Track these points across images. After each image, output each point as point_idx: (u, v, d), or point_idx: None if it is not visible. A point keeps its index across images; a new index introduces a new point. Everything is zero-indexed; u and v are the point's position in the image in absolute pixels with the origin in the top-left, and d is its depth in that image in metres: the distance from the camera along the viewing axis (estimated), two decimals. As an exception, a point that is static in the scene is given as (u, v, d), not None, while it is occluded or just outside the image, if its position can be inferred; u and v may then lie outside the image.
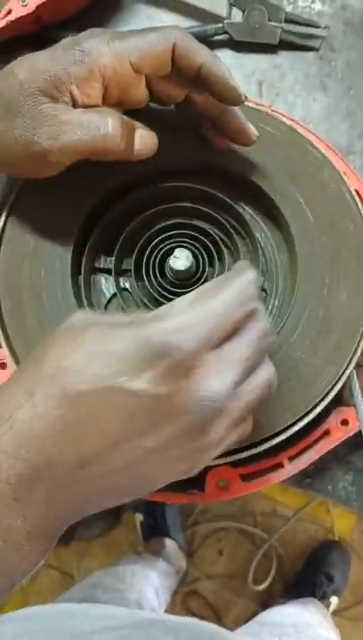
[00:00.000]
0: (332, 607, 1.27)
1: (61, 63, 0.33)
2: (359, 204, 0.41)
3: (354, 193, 0.41)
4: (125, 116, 0.35)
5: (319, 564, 1.35)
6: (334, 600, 1.29)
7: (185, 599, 1.41)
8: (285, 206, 0.40)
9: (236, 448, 0.38)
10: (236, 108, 0.37)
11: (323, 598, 1.27)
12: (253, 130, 0.38)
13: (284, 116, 0.44)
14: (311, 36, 0.52)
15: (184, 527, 1.42)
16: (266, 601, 1.38)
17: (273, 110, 0.44)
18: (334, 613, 1.28)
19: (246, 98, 0.36)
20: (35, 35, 0.50)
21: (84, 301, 0.40)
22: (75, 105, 0.34)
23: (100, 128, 0.33)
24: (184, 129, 0.41)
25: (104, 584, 0.95)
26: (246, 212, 0.43)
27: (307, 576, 1.35)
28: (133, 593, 0.97)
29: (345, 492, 0.46)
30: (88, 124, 0.33)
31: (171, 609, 1.25)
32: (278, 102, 0.52)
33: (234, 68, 0.52)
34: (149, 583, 1.07)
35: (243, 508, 1.43)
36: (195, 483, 0.41)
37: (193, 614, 1.37)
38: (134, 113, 0.37)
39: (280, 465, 0.41)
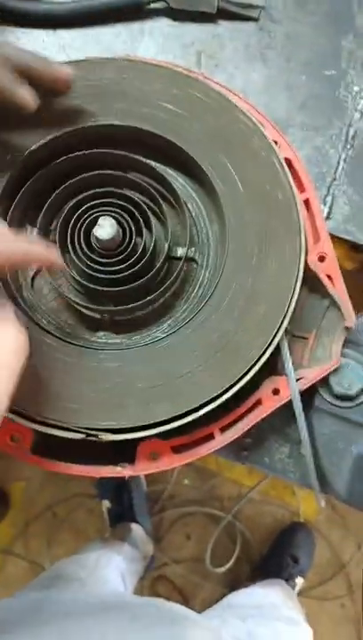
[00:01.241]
0: (297, 588, 1.29)
1: None
2: (289, 173, 0.40)
3: (284, 162, 0.40)
4: None
5: (285, 545, 1.37)
6: (299, 581, 1.31)
7: (153, 584, 1.42)
8: (214, 175, 0.40)
9: (164, 419, 0.37)
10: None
11: (289, 579, 1.29)
12: (66, 70, 0.38)
13: (217, 83, 0.43)
14: (251, 6, 0.51)
15: (152, 513, 1.42)
16: (233, 584, 1.39)
17: (206, 77, 0.43)
18: (300, 593, 1.30)
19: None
20: None
21: (7, 275, 0.39)
22: None
23: None
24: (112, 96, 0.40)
25: (66, 574, 0.94)
26: (178, 181, 0.42)
27: (273, 558, 1.37)
28: (98, 579, 0.97)
29: (282, 464, 0.46)
30: None
31: (139, 593, 1.25)
32: (217, 73, 0.51)
33: (172, 37, 0.51)
34: (114, 566, 1.06)
35: (210, 492, 1.43)
36: (126, 456, 0.40)
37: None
38: None
39: (211, 436, 0.40)
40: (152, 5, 0.50)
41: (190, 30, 0.52)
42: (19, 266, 0.33)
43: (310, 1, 0.52)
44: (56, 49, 0.50)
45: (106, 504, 1.39)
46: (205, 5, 0.50)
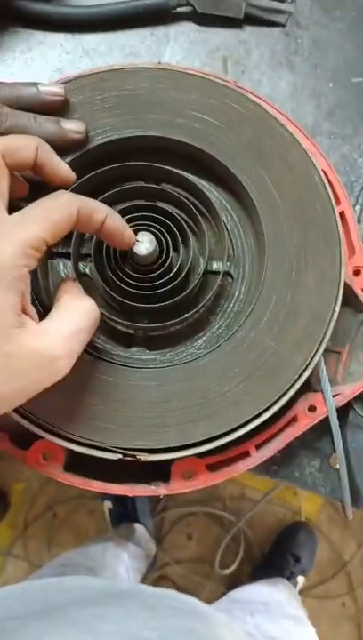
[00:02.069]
0: (299, 586, 1.30)
1: None
2: (327, 185, 0.39)
3: (322, 174, 0.40)
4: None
5: (286, 544, 1.37)
6: (301, 580, 1.32)
7: (155, 584, 1.41)
8: (252, 188, 0.39)
9: (202, 440, 0.36)
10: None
11: (290, 578, 1.29)
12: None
13: (250, 92, 0.42)
14: (277, 11, 0.50)
15: (153, 513, 1.42)
16: (234, 583, 1.39)
17: (238, 86, 0.42)
18: (301, 592, 1.31)
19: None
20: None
21: (41, 287, 0.38)
22: None
23: None
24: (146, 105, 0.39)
25: (74, 563, 0.93)
26: (212, 193, 0.41)
27: (274, 557, 1.37)
28: (106, 571, 0.96)
29: (312, 478, 0.45)
30: None
31: (140, 594, 1.25)
32: (243, 80, 0.50)
33: (198, 42, 0.50)
34: (120, 561, 1.06)
35: (212, 492, 1.43)
36: (160, 474, 0.40)
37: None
38: None
39: (247, 454, 0.40)
40: (178, 10, 0.49)
41: (216, 35, 0.51)
42: (88, 221, 0.32)
43: (338, 7, 0.51)
44: (80, 53, 0.49)
45: (108, 505, 1.39)
46: (233, 10, 0.49)
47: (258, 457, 0.39)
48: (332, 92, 0.50)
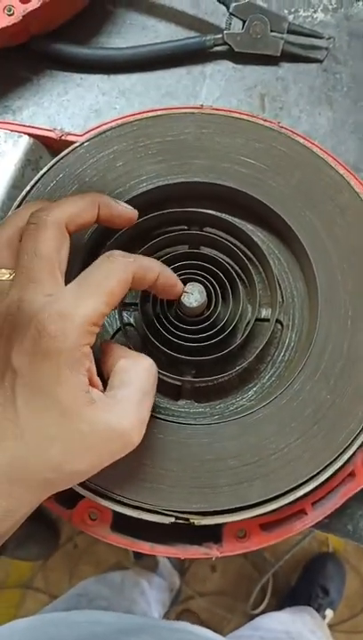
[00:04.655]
0: (327, 620, 1.26)
1: None
2: (380, 228, 0.38)
3: (374, 216, 0.38)
4: None
5: (314, 576, 1.33)
6: (329, 613, 1.28)
7: (178, 617, 1.38)
8: (302, 232, 0.37)
9: (255, 502, 0.34)
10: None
11: (318, 611, 1.25)
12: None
13: (294, 133, 0.41)
14: (315, 47, 0.50)
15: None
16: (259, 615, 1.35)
17: (282, 127, 0.41)
18: (330, 627, 1.26)
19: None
20: (24, 45, 0.46)
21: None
22: None
23: None
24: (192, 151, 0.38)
25: (91, 592, 0.91)
26: (258, 237, 0.40)
27: (302, 588, 1.33)
28: (124, 600, 0.93)
29: (367, 532, 0.43)
30: None
31: (164, 629, 1.22)
32: (282, 117, 0.49)
33: (234, 80, 0.49)
34: (140, 590, 1.03)
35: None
36: (210, 533, 0.38)
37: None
38: None
39: (303, 512, 0.37)
40: (215, 49, 0.48)
41: (253, 73, 0.50)
42: (141, 282, 0.31)
43: (376, 41, 0.50)
44: (116, 94, 0.48)
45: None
46: (271, 48, 0.48)
47: (315, 515, 0.37)
48: (373, 126, 0.49)
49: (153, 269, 0.31)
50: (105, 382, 0.31)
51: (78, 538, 1.43)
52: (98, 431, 0.27)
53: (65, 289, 0.28)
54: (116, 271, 0.28)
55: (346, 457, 0.35)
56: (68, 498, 0.37)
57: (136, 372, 0.30)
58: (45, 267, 0.28)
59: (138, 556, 1.32)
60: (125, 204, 0.33)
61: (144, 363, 0.31)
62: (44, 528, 1.37)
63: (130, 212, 0.33)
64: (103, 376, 0.31)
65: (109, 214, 0.32)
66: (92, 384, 0.29)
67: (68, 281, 0.29)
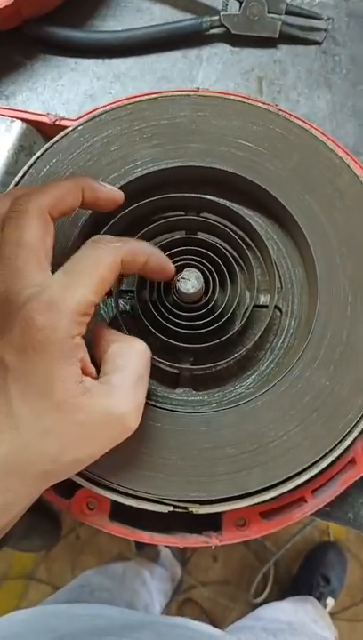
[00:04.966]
0: (328, 608, 1.26)
1: None
2: (381, 211, 0.37)
3: (375, 199, 0.37)
4: None
5: (316, 565, 1.33)
6: (330, 602, 1.28)
7: (181, 607, 1.38)
8: (300, 216, 0.37)
9: (254, 490, 0.34)
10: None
11: (320, 599, 1.26)
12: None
13: (292, 115, 0.40)
14: (313, 29, 0.49)
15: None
16: (262, 604, 1.36)
17: (279, 109, 0.40)
18: (331, 615, 1.27)
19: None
20: (17, 29, 0.45)
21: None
22: None
23: None
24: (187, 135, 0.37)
25: (93, 583, 0.91)
26: (256, 222, 0.39)
27: (303, 577, 1.33)
28: (125, 591, 0.93)
29: (368, 520, 0.43)
30: None
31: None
32: (279, 100, 0.48)
33: (231, 63, 0.49)
34: (141, 581, 1.03)
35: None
36: (210, 522, 0.37)
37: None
38: None
39: (302, 500, 0.37)
40: (211, 31, 0.47)
41: (250, 56, 0.49)
42: (130, 265, 0.30)
43: (376, 22, 0.49)
44: (111, 79, 0.48)
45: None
46: (268, 30, 0.47)
47: (314, 503, 0.37)
48: (373, 109, 0.48)
49: (142, 252, 0.30)
50: (97, 366, 0.30)
51: (81, 529, 1.43)
52: (95, 418, 0.27)
53: (52, 279, 0.27)
54: (105, 257, 0.28)
55: (346, 444, 0.34)
56: (65, 488, 0.37)
57: (130, 356, 0.30)
58: (30, 256, 0.27)
59: (140, 546, 1.33)
60: (111, 186, 0.32)
61: (137, 346, 0.31)
62: (46, 519, 1.37)
63: (116, 194, 0.32)
64: (96, 360, 0.31)
65: (94, 197, 0.31)
66: (85, 373, 0.28)
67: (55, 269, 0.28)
